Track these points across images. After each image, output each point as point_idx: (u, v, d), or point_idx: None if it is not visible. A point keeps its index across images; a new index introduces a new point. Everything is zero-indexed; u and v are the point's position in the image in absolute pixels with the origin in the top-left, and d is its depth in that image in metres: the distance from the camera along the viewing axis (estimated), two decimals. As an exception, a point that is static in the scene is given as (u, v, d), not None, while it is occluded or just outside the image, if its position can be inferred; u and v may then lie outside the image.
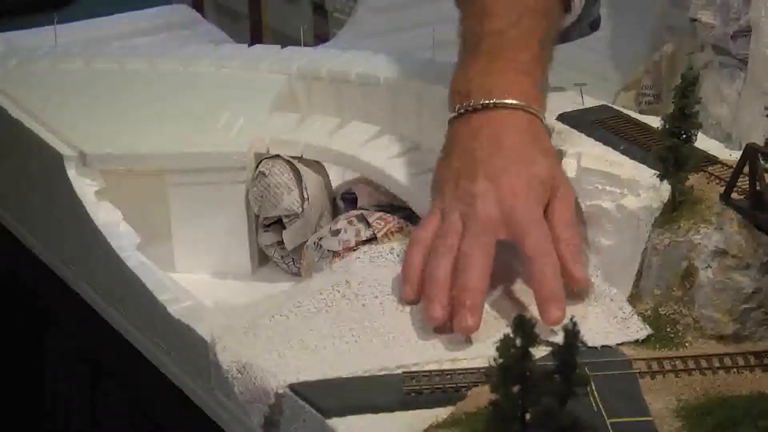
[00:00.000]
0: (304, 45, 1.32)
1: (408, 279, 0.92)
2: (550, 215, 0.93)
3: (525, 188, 0.93)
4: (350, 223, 1.07)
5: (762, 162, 0.85)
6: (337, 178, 1.20)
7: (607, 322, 0.90)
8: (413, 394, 0.83)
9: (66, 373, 1.29)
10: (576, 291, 0.91)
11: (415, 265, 0.93)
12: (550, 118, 1.07)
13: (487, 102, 0.98)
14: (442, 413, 0.81)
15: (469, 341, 0.88)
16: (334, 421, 0.81)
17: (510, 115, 0.97)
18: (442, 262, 0.91)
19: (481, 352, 0.86)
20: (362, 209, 1.10)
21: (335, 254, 1.05)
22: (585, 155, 0.99)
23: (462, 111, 0.99)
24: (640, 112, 1.13)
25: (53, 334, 1.30)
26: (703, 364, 0.84)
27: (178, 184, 1.13)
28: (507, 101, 0.98)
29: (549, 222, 0.93)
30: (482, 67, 1.01)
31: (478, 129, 0.97)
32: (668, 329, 0.88)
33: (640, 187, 0.94)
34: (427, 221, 0.95)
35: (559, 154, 1.01)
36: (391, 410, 0.82)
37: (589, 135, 1.03)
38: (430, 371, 0.85)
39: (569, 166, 0.99)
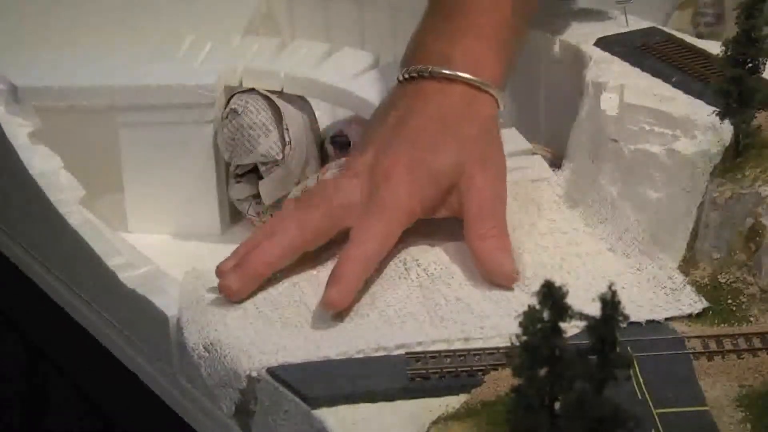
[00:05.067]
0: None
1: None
2: (465, 210, 0.96)
3: (402, 172, 0.95)
4: (342, 172, 1.07)
5: None
6: (326, 117, 1.21)
7: (652, 292, 0.91)
8: (418, 380, 0.83)
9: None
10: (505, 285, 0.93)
11: None
12: (588, 43, 1.07)
13: (422, 69, 1.00)
14: (453, 402, 0.81)
15: (485, 315, 0.89)
16: (322, 412, 0.81)
17: (440, 89, 1.00)
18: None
19: (500, 329, 0.87)
20: (356, 155, 1.11)
21: (323, 210, 1.05)
22: (629, 88, 1.00)
23: (402, 77, 1.02)
24: (697, 36, 1.13)
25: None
26: (772, 342, 0.85)
27: (131, 125, 1.13)
28: (444, 71, 0.99)
29: (465, 217, 0.96)
30: (437, 27, 1.03)
31: (399, 99, 1.01)
32: (729, 300, 0.88)
33: (696, 127, 0.94)
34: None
35: (599, 87, 1.01)
36: (392, 399, 0.82)
37: (634, 64, 1.04)
38: (439, 352, 0.85)
39: (609, 102, 0.99)
